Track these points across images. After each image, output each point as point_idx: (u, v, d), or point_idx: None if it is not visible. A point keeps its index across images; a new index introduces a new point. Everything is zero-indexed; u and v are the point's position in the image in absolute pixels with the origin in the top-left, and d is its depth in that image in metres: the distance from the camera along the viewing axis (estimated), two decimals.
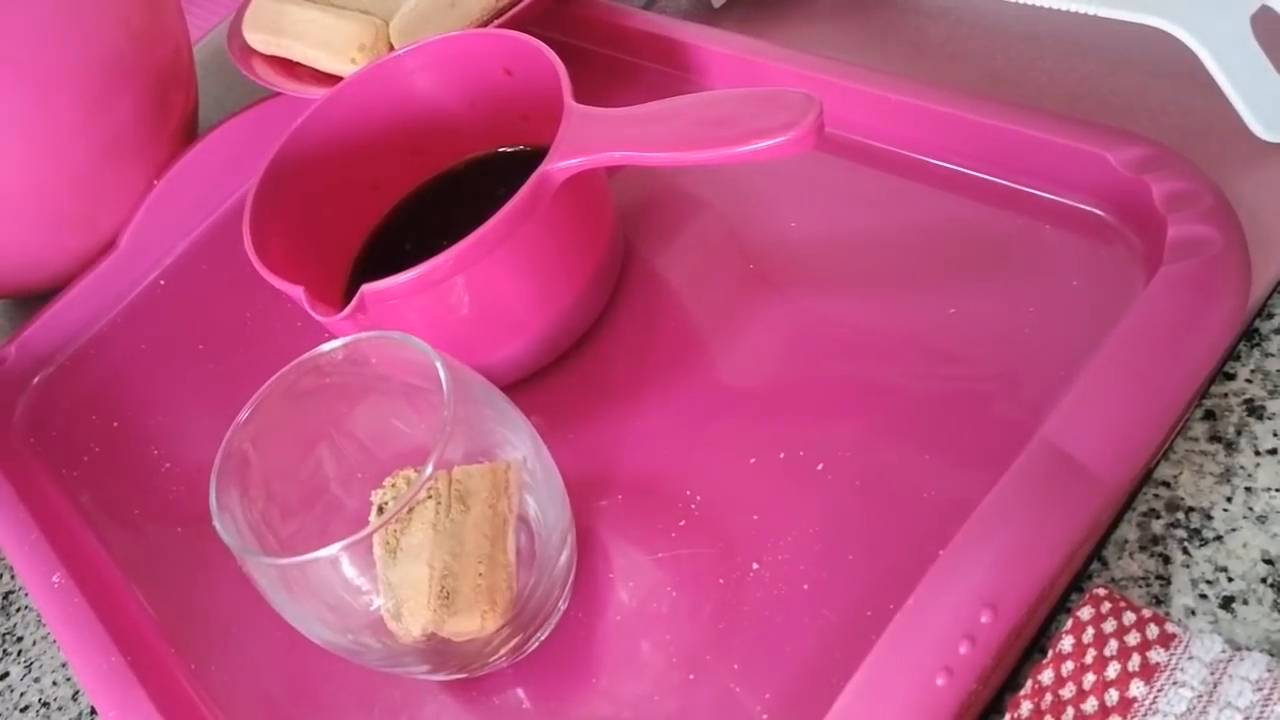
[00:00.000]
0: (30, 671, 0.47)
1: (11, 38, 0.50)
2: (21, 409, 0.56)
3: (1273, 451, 0.33)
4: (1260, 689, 0.27)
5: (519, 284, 0.40)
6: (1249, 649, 0.29)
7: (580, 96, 0.40)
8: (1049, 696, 0.29)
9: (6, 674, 0.47)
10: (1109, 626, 0.29)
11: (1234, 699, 0.27)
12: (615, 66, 0.54)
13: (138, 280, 0.59)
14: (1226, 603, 0.31)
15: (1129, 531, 0.33)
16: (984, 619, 0.29)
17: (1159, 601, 0.31)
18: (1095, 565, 0.33)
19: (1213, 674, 0.28)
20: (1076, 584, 0.33)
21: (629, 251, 0.46)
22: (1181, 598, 0.31)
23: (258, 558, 0.32)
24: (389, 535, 0.33)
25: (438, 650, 0.34)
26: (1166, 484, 0.33)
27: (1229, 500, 0.32)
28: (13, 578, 0.51)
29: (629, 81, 0.53)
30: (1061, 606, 0.32)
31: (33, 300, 0.60)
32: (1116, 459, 0.31)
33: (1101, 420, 0.32)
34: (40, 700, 0.45)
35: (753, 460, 0.38)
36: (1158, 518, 0.33)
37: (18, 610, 0.50)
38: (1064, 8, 0.39)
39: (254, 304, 0.53)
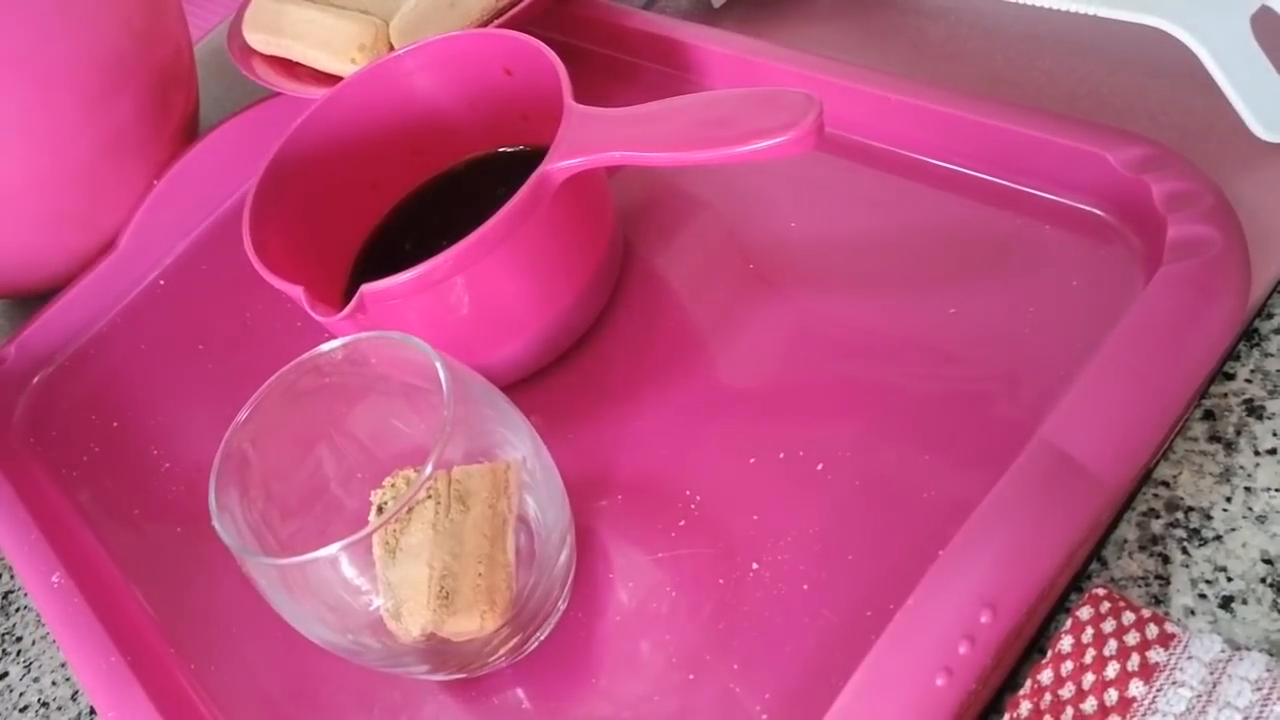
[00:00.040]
0: (30, 671, 0.47)
1: (13, 36, 0.50)
2: (21, 409, 0.56)
3: (1272, 451, 0.33)
4: (1259, 689, 0.27)
5: (519, 284, 0.40)
6: (1248, 649, 0.29)
7: (580, 96, 0.40)
8: (1048, 696, 0.29)
9: (6, 674, 0.47)
10: (1108, 626, 0.29)
11: (1233, 699, 0.27)
12: (615, 66, 0.54)
13: (138, 280, 0.59)
14: (1226, 603, 0.31)
15: (1128, 531, 0.33)
16: (984, 619, 0.29)
17: (1158, 601, 0.31)
18: (1095, 565, 0.33)
19: (1212, 674, 0.28)
20: (1076, 584, 0.33)
21: (629, 251, 0.46)
22: (1181, 598, 0.31)
23: (257, 558, 0.32)
24: (389, 535, 0.33)
25: (437, 650, 0.34)
26: (1166, 484, 0.33)
27: (1228, 500, 0.32)
28: (12, 578, 0.51)
29: (629, 81, 0.53)
30: (1061, 606, 0.32)
31: (33, 300, 0.60)
32: (1116, 459, 0.31)
33: (1101, 420, 0.32)
34: (40, 700, 0.45)
35: (753, 460, 0.37)
36: (1157, 517, 0.33)
37: (17, 610, 0.50)
38: (1064, 8, 0.39)
39: (254, 304, 0.53)
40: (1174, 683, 0.28)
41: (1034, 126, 0.39)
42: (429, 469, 0.30)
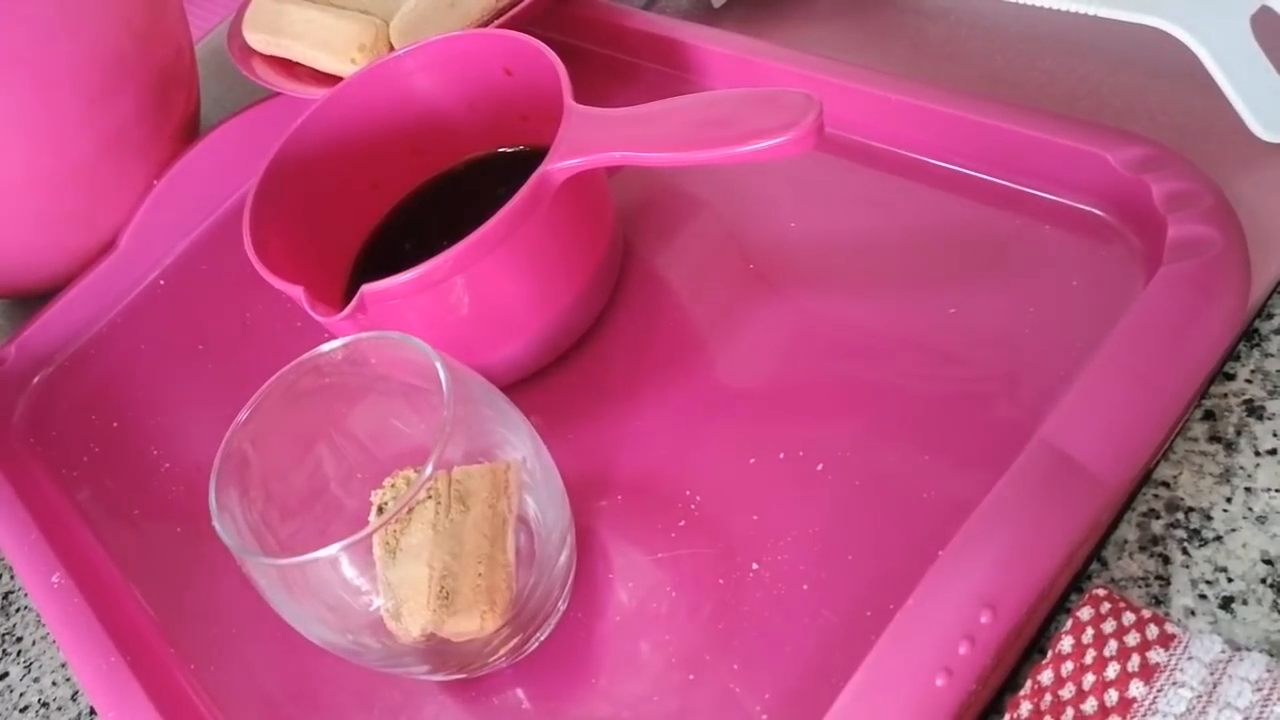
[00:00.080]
0: (30, 671, 0.47)
1: (14, 35, 0.50)
2: (21, 409, 0.56)
3: (1272, 452, 0.33)
4: (1260, 689, 0.27)
5: (519, 284, 0.40)
6: (1248, 649, 0.29)
7: (580, 96, 0.40)
8: (1048, 697, 0.29)
9: (6, 674, 0.47)
10: (1109, 627, 0.29)
11: (1233, 699, 0.27)
12: (615, 66, 0.54)
13: (138, 280, 0.59)
14: (1226, 603, 0.31)
15: (1129, 532, 0.33)
16: (984, 619, 0.29)
17: (1159, 602, 0.31)
18: (1095, 565, 0.33)
19: (1212, 674, 0.28)
20: (1076, 584, 0.32)
21: (629, 251, 0.46)
22: (1181, 598, 0.31)
23: (257, 558, 0.32)
24: (389, 535, 0.33)
25: (437, 650, 0.34)
26: (1166, 484, 0.33)
27: (1229, 500, 0.32)
28: (12, 578, 0.51)
29: (629, 81, 0.53)
30: (1061, 606, 0.32)
31: (33, 300, 0.60)
32: (1116, 459, 0.31)
33: (1101, 420, 0.32)
34: (40, 700, 0.45)
35: (753, 460, 0.37)
36: (1157, 518, 0.33)
37: (17, 610, 0.50)
38: (1064, 8, 0.39)
39: (254, 304, 0.53)
40: (1174, 683, 0.28)
41: (1034, 126, 0.39)
42: (429, 469, 0.30)
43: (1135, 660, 0.29)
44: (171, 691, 0.40)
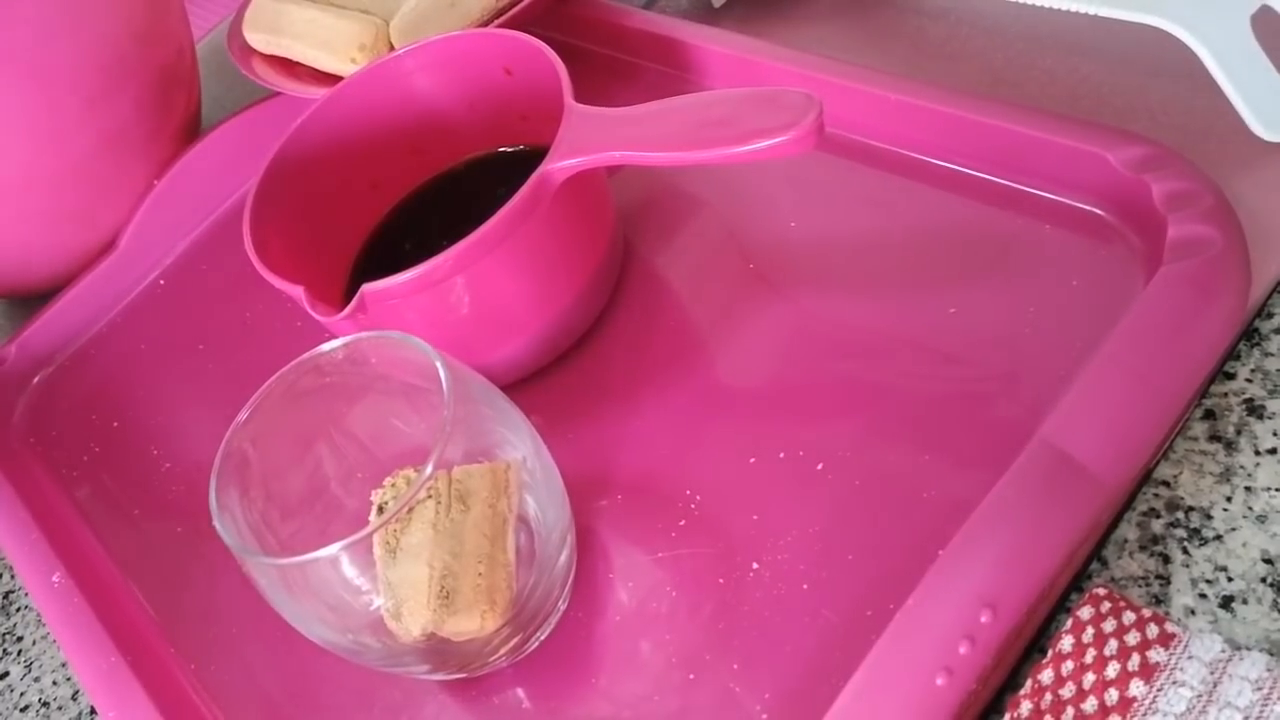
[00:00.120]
0: (30, 671, 0.47)
1: (15, 35, 0.50)
2: (21, 409, 0.56)
3: (1273, 451, 0.33)
4: (1260, 688, 0.27)
5: (519, 284, 0.40)
6: (1249, 649, 0.29)
7: (580, 96, 0.40)
8: (1049, 696, 0.29)
9: (6, 674, 0.47)
10: (1109, 626, 0.29)
11: (1234, 698, 0.27)
12: (615, 66, 0.54)
13: (138, 280, 0.59)
14: (1226, 602, 0.31)
15: (1129, 531, 0.33)
16: (984, 619, 0.29)
17: (1159, 601, 0.31)
18: (1095, 565, 0.33)
19: (1212, 673, 0.28)
20: (1076, 584, 0.32)
21: (629, 251, 0.46)
22: (1181, 597, 0.31)
23: (257, 558, 0.32)
24: (389, 535, 0.33)
25: (437, 650, 0.34)
26: (1166, 484, 0.33)
27: (1229, 500, 0.32)
28: (13, 578, 0.51)
29: (629, 81, 0.53)
30: (1061, 606, 0.32)
31: (33, 300, 0.60)
32: (1116, 459, 0.31)
33: (1101, 420, 0.32)
34: (40, 700, 0.45)
35: (753, 460, 0.37)
36: (1158, 517, 0.33)
37: (18, 610, 0.50)
38: (1064, 8, 0.39)
39: (254, 304, 0.53)
40: (1174, 682, 0.28)
41: (1034, 126, 0.39)
42: (429, 469, 0.30)
43: (1135, 659, 0.29)
44: (171, 691, 0.40)
